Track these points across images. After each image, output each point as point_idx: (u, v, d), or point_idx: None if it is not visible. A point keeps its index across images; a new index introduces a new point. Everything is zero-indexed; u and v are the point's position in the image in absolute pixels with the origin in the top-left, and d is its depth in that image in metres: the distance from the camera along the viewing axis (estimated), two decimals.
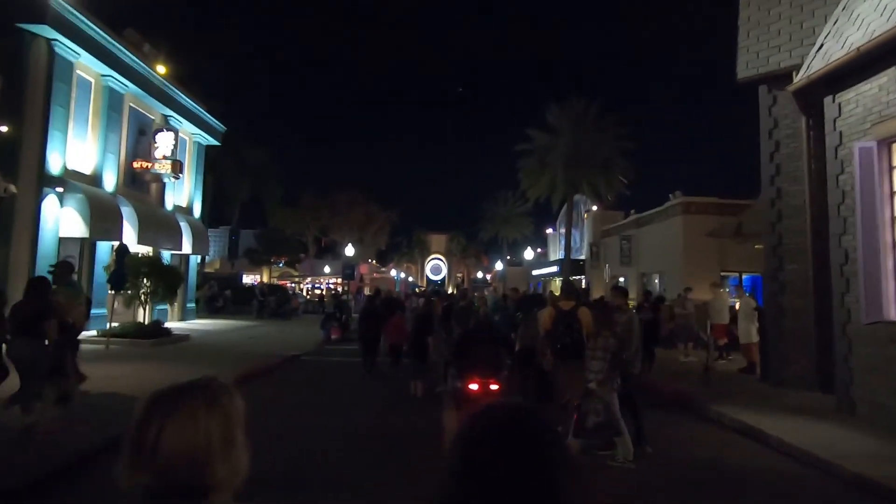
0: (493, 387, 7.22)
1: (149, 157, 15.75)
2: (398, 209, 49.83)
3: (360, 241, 43.21)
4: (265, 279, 42.34)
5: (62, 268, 6.68)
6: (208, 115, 19.49)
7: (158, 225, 15.61)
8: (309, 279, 43.45)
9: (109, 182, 14.27)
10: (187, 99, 17.88)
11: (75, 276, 8.49)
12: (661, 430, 6.26)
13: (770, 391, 7.91)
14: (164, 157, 15.73)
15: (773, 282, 8.14)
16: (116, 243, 12.15)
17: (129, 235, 14.16)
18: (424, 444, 5.72)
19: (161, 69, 16.69)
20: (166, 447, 0.91)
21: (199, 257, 24.78)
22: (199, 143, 19.79)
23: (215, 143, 20.52)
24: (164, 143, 15.87)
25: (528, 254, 30.69)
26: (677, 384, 8.66)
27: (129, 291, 11.75)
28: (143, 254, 13.04)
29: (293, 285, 43.60)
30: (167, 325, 13.94)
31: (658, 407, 7.72)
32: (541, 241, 48.80)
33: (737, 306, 13.09)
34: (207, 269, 40.97)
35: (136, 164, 15.42)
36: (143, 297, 12.18)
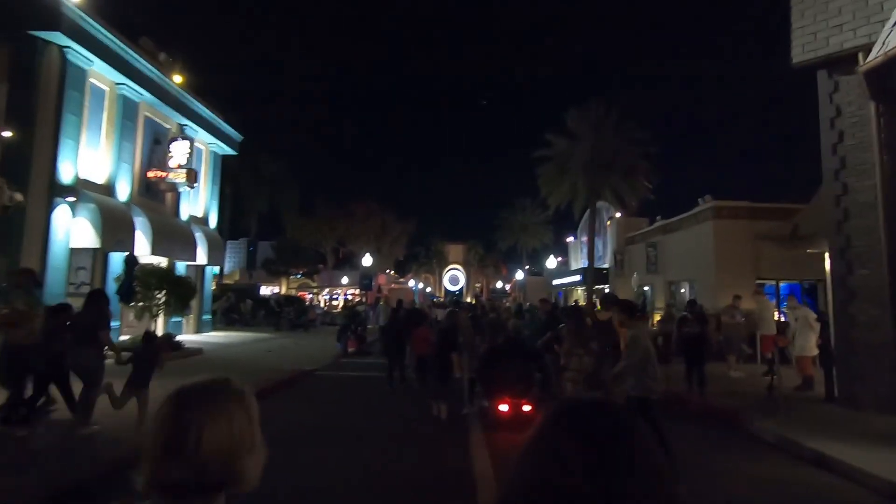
0: (526, 408, 6.50)
1: (164, 166, 15.48)
2: (415, 219, 49.45)
3: (378, 251, 42.84)
4: (283, 290, 42.23)
5: (24, 275, 6.22)
6: (224, 125, 19.27)
7: (173, 235, 15.29)
8: (327, 290, 43.16)
9: (123, 192, 13.99)
10: (203, 108, 17.67)
11: (41, 287, 8.46)
12: (714, 461, 5.44)
13: (841, 413, 6.97)
14: (179, 167, 15.44)
15: (840, 289, 7.24)
16: (127, 254, 11.80)
17: (143, 246, 13.83)
18: (449, 492, 4.71)
19: (178, 78, 16.51)
20: (208, 445, 0.91)
21: (215, 268, 24.61)
22: (215, 153, 19.56)
23: (232, 152, 20.29)
24: (179, 151, 15.59)
25: (551, 262, 29.81)
26: (731, 404, 7.78)
27: (141, 303, 11.34)
28: (154, 264, 12.61)
29: (311, 296, 43.42)
30: (181, 337, 13.50)
31: (709, 430, 6.89)
32: (561, 250, 47.81)
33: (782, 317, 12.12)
34: (227, 281, 41.10)
35: (150, 174, 15.16)
36: (154, 310, 11.74)
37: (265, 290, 41.48)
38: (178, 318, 16.51)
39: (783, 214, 19.90)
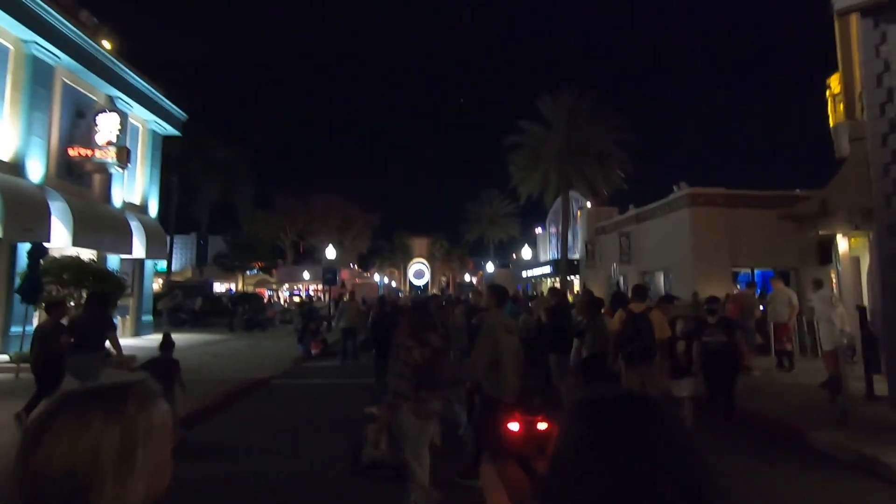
0: (542, 425, 5.13)
1: (89, 143, 13.24)
2: (379, 212, 47.57)
3: (341, 244, 40.81)
4: (240, 287, 39.56)
5: None
6: (165, 100, 16.99)
7: (101, 224, 13.10)
8: (287, 286, 40.79)
9: (35, 171, 11.74)
10: (139, 79, 15.39)
11: None
12: (778, 484, 4.27)
13: None
14: (108, 144, 13.23)
15: (890, 270, 6.24)
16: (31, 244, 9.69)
17: (61, 235, 11.67)
18: None
19: (107, 44, 14.23)
20: (39, 461, 0.76)
21: (157, 263, 22.17)
22: (154, 132, 17.22)
23: (175, 132, 17.99)
24: (107, 126, 13.37)
25: (526, 252, 28.79)
26: (774, 408, 6.69)
27: None
28: (73, 256, 10.43)
29: (271, 293, 40.96)
30: (139, 339, 11.43)
31: (753, 439, 5.73)
32: (529, 242, 47.18)
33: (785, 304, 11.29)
34: (178, 278, 38.07)
35: (72, 151, 12.91)
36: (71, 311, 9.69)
37: (220, 287, 38.77)
38: (149, 318, 14.37)
39: (761, 202, 19.63)
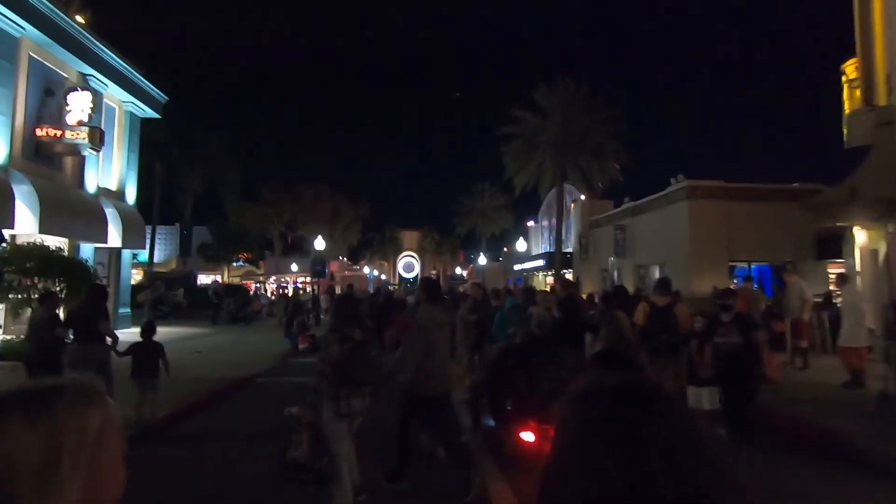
0: None
1: (59, 123, 12.32)
2: (369, 204, 46.71)
3: (330, 236, 39.96)
4: (225, 279, 38.56)
5: None
6: (144, 80, 16.02)
7: (73, 210, 12.21)
8: (274, 278, 39.88)
9: None
10: (115, 57, 14.41)
11: None
12: None
13: None
14: (80, 123, 12.32)
15: None
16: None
17: (27, 222, 10.80)
18: None
19: (80, 19, 13.27)
20: None
21: (137, 253, 21.24)
22: (132, 114, 16.24)
23: (154, 115, 17.02)
24: (78, 105, 12.45)
25: (521, 245, 28.27)
26: (815, 416, 6.14)
27: (12, 295, 8.52)
28: (37, 243, 9.55)
29: (258, 285, 40.03)
30: None
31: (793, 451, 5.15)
32: (522, 235, 46.72)
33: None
34: (162, 270, 36.96)
35: (40, 132, 11.98)
36: (35, 303, 8.89)
37: (206, 279, 37.74)
38: None
39: (759, 195, 19.40)
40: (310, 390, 3.69)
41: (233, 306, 20.73)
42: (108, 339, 5.98)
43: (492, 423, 5.27)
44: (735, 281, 19.81)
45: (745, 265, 19.76)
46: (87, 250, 13.63)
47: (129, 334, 13.88)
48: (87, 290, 6.45)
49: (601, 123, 26.02)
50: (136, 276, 29.38)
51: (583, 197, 30.49)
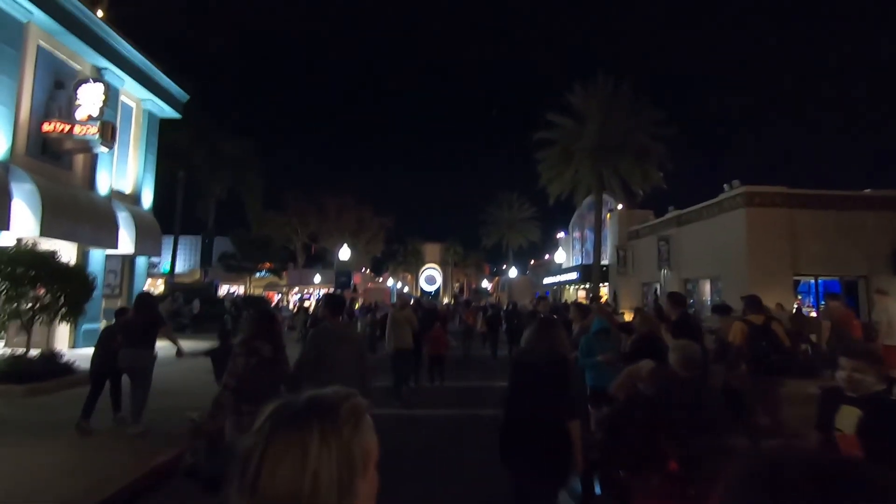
0: None
1: (69, 117, 11.31)
2: (393, 215, 45.60)
3: (354, 247, 38.90)
4: (249, 290, 37.71)
5: None
6: (165, 77, 15.05)
7: (79, 213, 11.11)
8: (297, 289, 38.88)
9: None
10: (134, 51, 13.46)
11: None
12: None
13: None
14: (90, 118, 11.29)
15: None
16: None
17: (27, 223, 9.71)
18: None
19: (100, 13, 12.38)
20: (263, 485, 0.71)
21: (160, 262, 20.30)
22: (150, 112, 15.28)
23: (174, 115, 16.05)
24: (89, 98, 11.43)
25: (560, 256, 26.52)
26: None
27: (14, 305, 7.30)
28: (26, 247, 8.32)
29: (280, 296, 39.09)
30: (80, 351, 9.42)
31: None
32: (551, 247, 45.02)
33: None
34: (185, 280, 36.31)
35: (47, 126, 10.97)
36: (26, 315, 7.68)
37: (231, 290, 36.97)
38: (95, 325, 12.35)
39: (825, 202, 17.57)
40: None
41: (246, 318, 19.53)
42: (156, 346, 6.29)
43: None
44: (799, 297, 17.92)
45: (811, 280, 17.96)
46: (97, 256, 12.56)
47: None
48: (137, 299, 6.76)
49: (643, 126, 24.30)
50: (160, 287, 28.67)
51: (620, 206, 28.82)
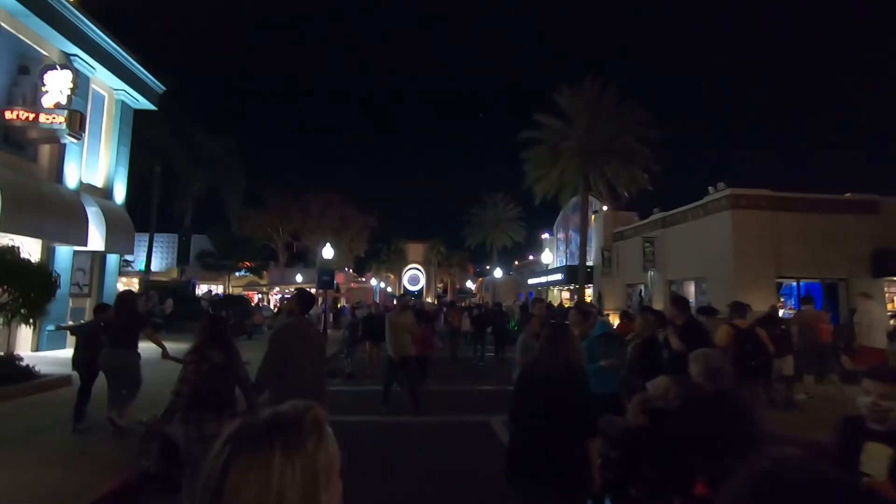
0: None
1: (34, 105, 10.65)
2: (378, 214, 44.96)
3: (337, 246, 38.26)
4: (228, 289, 36.77)
5: None
6: (139, 67, 14.37)
7: (44, 206, 10.45)
8: (278, 289, 38.09)
9: None
10: (106, 37, 12.78)
11: None
12: None
13: None
14: (57, 106, 10.64)
15: None
16: None
17: None
18: None
19: None
20: (226, 500, 0.72)
21: (130, 259, 19.51)
22: (123, 103, 14.55)
23: (150, 106, 15.35)
24: (56, 85, 10.78)
25: (547, 256, 26.34)
26: None
27: None
28: None
29: (260, 296, 38.21)
30: (53, 355, 8.84)
31: None
32: (535, 247, 45.04)
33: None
34: (163, 278, 35.22)
35: (9, 114, 10.30)
36: None
37: (210, 289, 35.96)
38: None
39: (809, 205, 17.78)
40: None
41: (232, 318, 18.89)
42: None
43: None
44: (782, 300, 18.06)
45: (793, 282, 18.16)
46: (64, 253, 11.88)
47: None
48: (118, 297, 6.63)
49: (630, 128, 24.29)
50: (136, 286, 27.66)
51: (605, 208, 28.89)
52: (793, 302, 18.06)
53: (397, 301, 9.04)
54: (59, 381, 7.95)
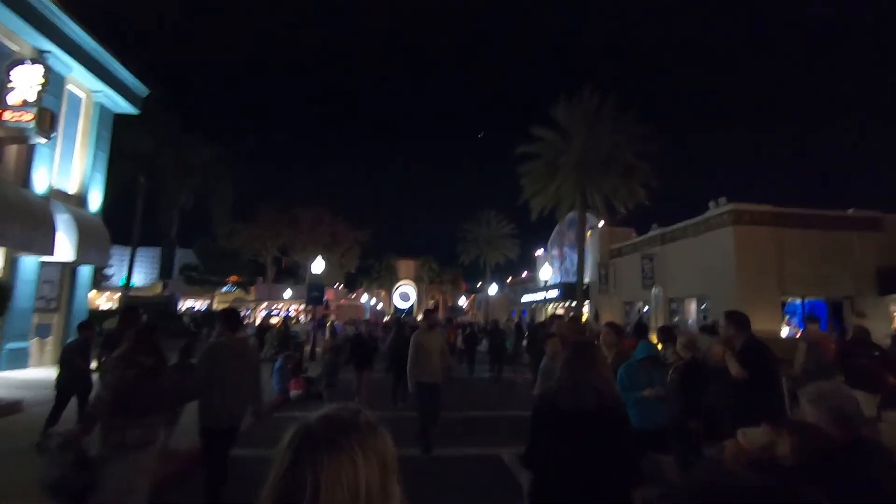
0: None
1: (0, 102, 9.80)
2: (369, 229, 44.10)
3: (327, 262, 37.25)
4: (215, 305, 35.52)
5: None
6: (121, 68, 13.56)
7: (7, 211, 9.50)
8: (265, 304, 36.89)
9: None
10: (84, 34, 11.98)
11: None
12: None
13: None
14: (25, 103, 9.79)
15: None
16: None
17: None
18: None
19: None
20: (327, 497, 0.76)
21: (110, 274, 18.41)
22: (102, 105, 13.68)
23: (131, 109, 14.50)
24: (25, 81, 9.95)
25: (546, 272, 25.64)
26: None
27: None
28: None
29: (248, 312, 37.02)
30: (2, 375, 7.83)
31: None
32: (529, 264, 44.50)
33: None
34: (147, 294, 33.97)
35: None
36: None
37: (194, 306, 34.71)
38: (22, 344, 10.62)
39: (812, 221, 17.42)
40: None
41: (213, 336, 17.86)
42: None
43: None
44: (786, 317, 17.54)
45: (797, 300, 17.67)
46: (29, 263, 10.89)
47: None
48: (122, 312, 6.61)
49: (629, 143, 23.91)
50: (115, 301, 26.46)
51: (601, 224, 28.44)
52: (797, 320, 17.52)
53: (424, 317, 7.24)
54: (7, 409, 6.93)
